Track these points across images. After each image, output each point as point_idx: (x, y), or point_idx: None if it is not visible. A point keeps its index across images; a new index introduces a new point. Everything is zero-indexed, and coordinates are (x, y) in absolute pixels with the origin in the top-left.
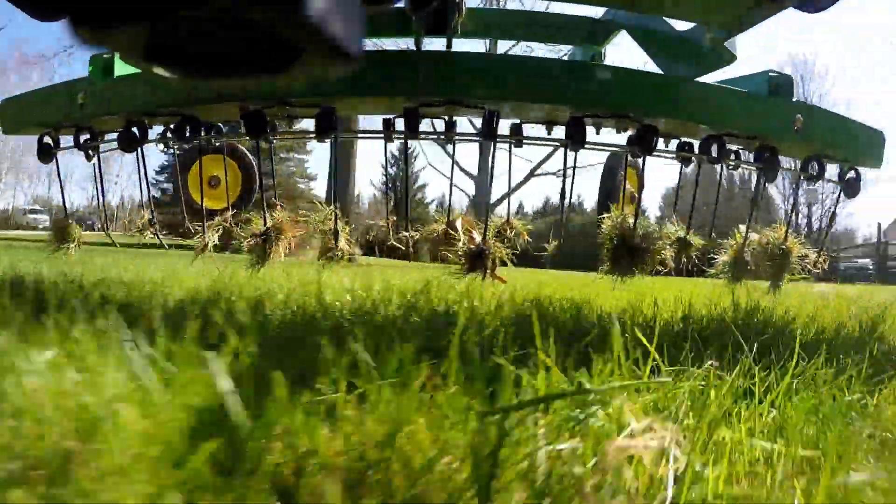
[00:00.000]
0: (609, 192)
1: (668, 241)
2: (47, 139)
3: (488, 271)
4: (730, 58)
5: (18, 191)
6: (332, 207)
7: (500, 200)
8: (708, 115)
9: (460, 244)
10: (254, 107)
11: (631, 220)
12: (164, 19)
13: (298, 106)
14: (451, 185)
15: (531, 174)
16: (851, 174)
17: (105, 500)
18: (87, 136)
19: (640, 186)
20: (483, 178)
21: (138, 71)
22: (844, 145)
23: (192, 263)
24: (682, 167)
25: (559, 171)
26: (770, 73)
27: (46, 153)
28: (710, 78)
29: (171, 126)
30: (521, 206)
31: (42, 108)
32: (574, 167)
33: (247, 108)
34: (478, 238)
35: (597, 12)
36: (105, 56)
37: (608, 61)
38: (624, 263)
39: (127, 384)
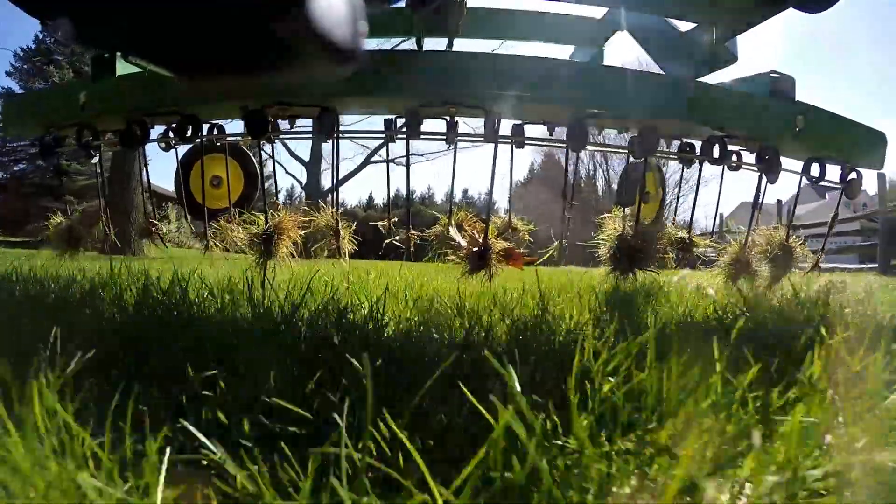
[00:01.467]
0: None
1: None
2: (48, 139)
3: (512, 262)
4: (731, 58)
5: None
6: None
7: (333, 188)
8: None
9: (464, 245)
10: (253, 106)
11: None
12: (166, 18)
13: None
14: (451, 186)
15: (367, 161)
16: (853, 175)
17: None
18: (90, 136)
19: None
20: (315, 165)
21: (139, 70)
22: (846, 146)
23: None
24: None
25: (397, 158)
26: (771, 74)
27: (49, 153)
28: (711, 78)
29: (173, 125)
30: (371, 198)
31: (44, 108)
32: (576, 167)
33: (247, 108)
34: (480, 239)
35: (598, 12)
36: (106, 55)
37: (607, 62)
38: (625, 263)
39: None
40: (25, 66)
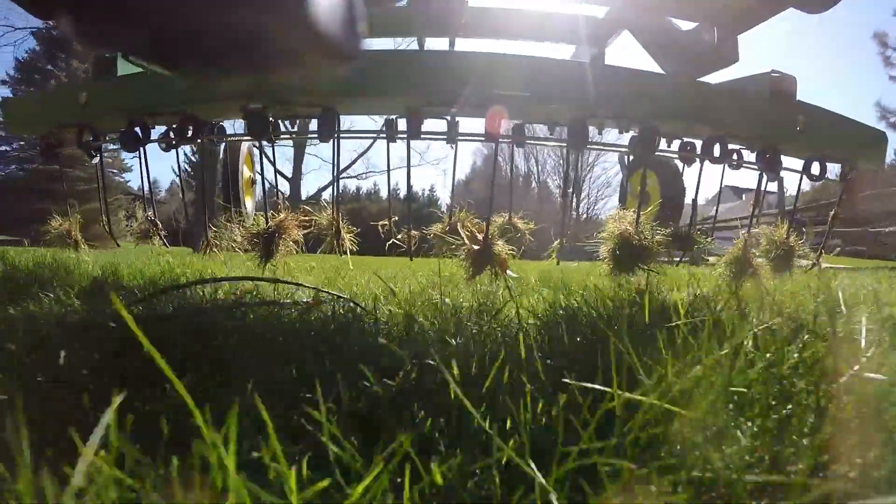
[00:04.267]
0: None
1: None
2: (51, 139)
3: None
4: (732, 58)
5: None
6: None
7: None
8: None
9: (464, 246)
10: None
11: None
12: (167, 19)
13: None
14: (452, 185)
15: (340, 175)
16: (853, 174)
17: None
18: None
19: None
20: (297, 180)
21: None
22: (846, 145)
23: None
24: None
25: (362, 174)
26: (773, 74)
27: (50, 153)
28: (711, 78)
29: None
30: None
31: (47, 108)
32: (576, 167)
33: (248, 108)
34: (481, 238)
35: (600, 12)
36: (106, 55)
37: (609, 61)
38: (626, 262)
39: None
40: (20, 76)
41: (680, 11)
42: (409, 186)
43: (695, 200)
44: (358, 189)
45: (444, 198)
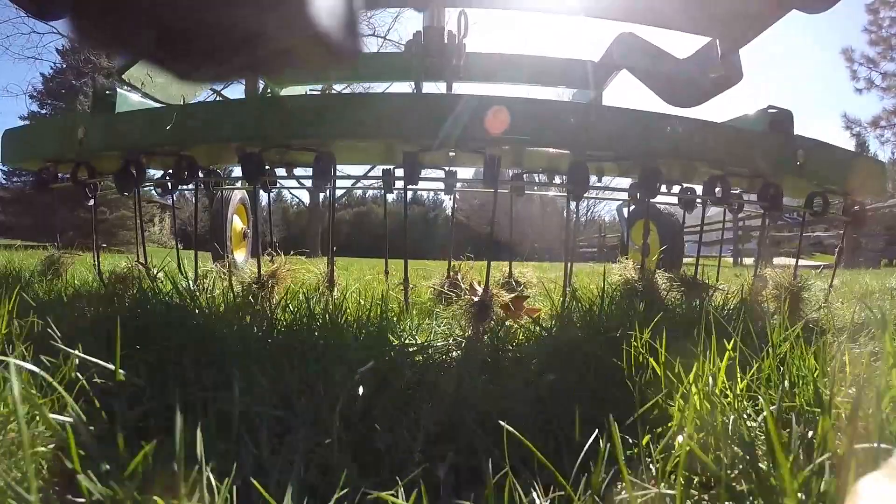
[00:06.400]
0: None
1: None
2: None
3: (515, 311)
4: (737, 76)
5: None
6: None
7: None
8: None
9: (464, 299)
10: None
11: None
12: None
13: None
14: (451, 232)
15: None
16: (856, 207)
17: None
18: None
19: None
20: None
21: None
22: (847, 178)
23: None
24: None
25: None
26: (769, 109)
27: (44, 187)
28: (718, 99)
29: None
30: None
31: (42, 141)
32: (577, 214)
33: (243, 151)
34: (480, 291)
35: (596, 55)
36: (107, 93)
37: (608, 102)
38: None
39: None
40: (46, 91)
41: (683, 24)
42: (406, 234)
43: (699, 246)
44: (364, 193)
45: (448, 199)
